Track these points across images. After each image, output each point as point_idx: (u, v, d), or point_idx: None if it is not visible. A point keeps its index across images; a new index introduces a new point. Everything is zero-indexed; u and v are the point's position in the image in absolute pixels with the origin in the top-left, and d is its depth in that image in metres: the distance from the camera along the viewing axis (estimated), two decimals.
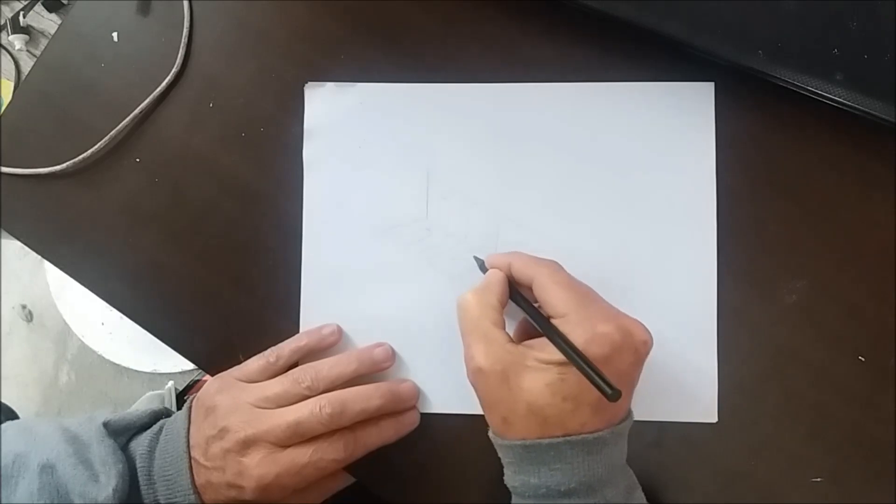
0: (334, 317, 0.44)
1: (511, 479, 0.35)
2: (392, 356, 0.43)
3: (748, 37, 0.39)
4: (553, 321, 0.34)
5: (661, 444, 0.42)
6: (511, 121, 0.43)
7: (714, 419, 0.41)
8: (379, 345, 0.43)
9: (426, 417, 0.43)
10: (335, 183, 0.44)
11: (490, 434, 0.36)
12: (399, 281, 0.44)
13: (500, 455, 0.36)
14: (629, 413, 0.36)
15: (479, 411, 0.36)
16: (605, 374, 0.31)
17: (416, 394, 0.42)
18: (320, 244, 0.44)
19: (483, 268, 0.40)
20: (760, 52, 0.39)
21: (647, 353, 0.35)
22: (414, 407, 0.42)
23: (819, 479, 0.41)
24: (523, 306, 0.37)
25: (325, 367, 0.40)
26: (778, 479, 0.41)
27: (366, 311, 0.44)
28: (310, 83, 0.45)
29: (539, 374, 0.33)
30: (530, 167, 0.43)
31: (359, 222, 0.44)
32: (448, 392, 0.43)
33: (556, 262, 0.37)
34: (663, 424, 0.42)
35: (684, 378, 0.41)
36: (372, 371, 0.42)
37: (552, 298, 0.35)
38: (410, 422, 0.42)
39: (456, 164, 0.44)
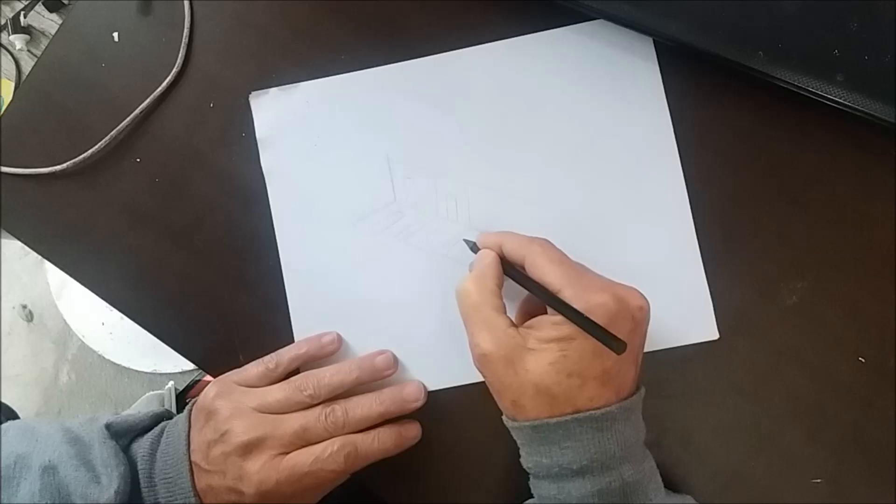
0: (325, 316, 0.43)
1: (525, 460, 0.36)
2: (394, 364, 0.42)
3: (748, 37, 0.39)
4: None
5: (661, 444, 0.42)
6: (458, 88, 0.44)
7: (715, 335, 0.41)
8: (381, 352, 0.42)
9: (427, 413, 0.42)
10: (298, 186, 0.44)
11: (503, 418, 0.37)
12: (382, 267, 0.43)
13: (514, 437, 0.36)
14: (639, 387, 0.36)
15: (479, 379, 0.36)
16: None
17: (420, 392, 0.42)
18: (297, 249, 0.44)
19: (475, 249, 0.40)
20: (760, 52, 0.39)
21: (644, 319, 0.35)
22: (416, 421, 0.42)
23: (819, 480, 0.41)
24: (519, 279, 0.37)
25: (327, 375, 0.40)
26: (778, 479, 0.41)
27: (355, 303, 0.44)
28: (253, 92, 0.45)
29: (542, 354, 0.34)
30: (487, 129, 0.43)
31: (330, 220, 0.44)
32: (449, 366, 0.42)
33: (546, 240, 0.37)
34: (663, 425, 0.42)
35: (679, 299, 0.42)
36: (374, 379, 0.42)
37: (545, 275, 0.35)
38: (412, 435, 0.42)
39: (413, 140, 0.44)
